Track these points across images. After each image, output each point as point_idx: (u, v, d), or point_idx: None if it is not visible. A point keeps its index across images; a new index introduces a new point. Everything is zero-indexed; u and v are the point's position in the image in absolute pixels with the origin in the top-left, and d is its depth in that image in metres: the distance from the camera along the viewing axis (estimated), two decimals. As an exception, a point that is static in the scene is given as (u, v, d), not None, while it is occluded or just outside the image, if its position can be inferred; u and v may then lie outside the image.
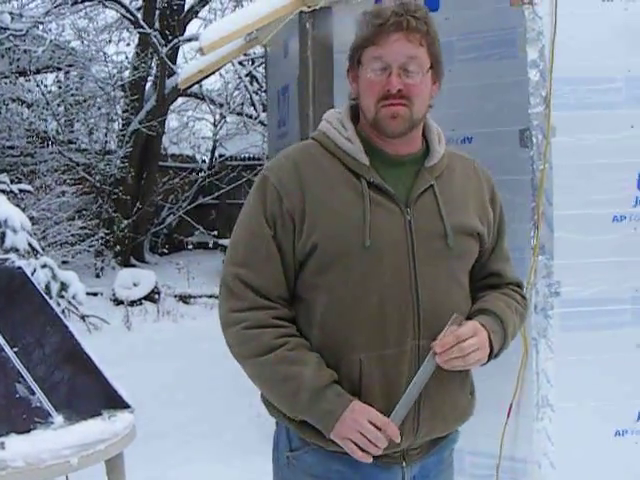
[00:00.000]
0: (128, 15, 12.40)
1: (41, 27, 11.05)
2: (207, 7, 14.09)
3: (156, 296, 10.27)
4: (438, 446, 1.93)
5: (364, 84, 1.83)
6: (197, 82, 12.45)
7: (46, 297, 3.33)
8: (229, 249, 1.90)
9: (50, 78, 13.20)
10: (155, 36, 12.09)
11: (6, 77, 11.26)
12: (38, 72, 12.09)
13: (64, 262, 9.68)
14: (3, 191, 8.11)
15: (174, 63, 13.04)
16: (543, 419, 3.45)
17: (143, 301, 10.09)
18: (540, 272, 3.42)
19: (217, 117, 15.20)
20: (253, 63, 14.41)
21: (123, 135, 12.37)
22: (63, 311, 7.67)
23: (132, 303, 9.84)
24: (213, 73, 11.93)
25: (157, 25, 12.72)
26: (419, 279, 1.80)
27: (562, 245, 3.42)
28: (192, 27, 14.47)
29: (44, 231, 9.44)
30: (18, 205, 7.84)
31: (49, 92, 12.68)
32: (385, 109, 1.80)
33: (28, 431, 2.55)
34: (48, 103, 12.19)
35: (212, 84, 15.53)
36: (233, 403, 5.51)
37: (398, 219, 1.81)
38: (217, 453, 4.67)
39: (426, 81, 1.83)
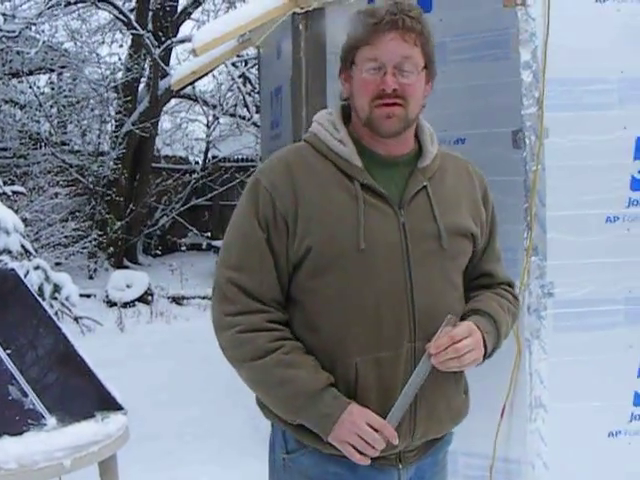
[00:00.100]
0: (121, 16, 12.38)
1: (34, 28, 10.98)
2: (200, 8, 14.11)
3: (149, 297, 10.26)
4: (433, 448, 1.93)
5: (358, 84, 1.82)
6: (190, 83, 12.42)
7: (39, 299, 3.32)
8: (222, 252, 1.89)
9: (43, 79, 13.18)
10: (148, 37, 12.07)
11: (-1, 79, 11.25)
12: (31, 73, 12.05)
13: (57, 264, 9.66)
14: (-4, 193, 8.11)
15: (167, 64, 13.03)
16: (536, 420, 3.45)
17: (136, 303, 10.07)
18: (533, 273, 3.42)
19: (210, 118, 15.19)
20: (246, 64, 14.41)
21: (116, 136, 12.33)
22: (56, 313, 7.65)
23: (125, 305, 9.82)
24: (206, 74, 11.90)
25: (150, 26, 12.68)
26: (414, 281, 1.79)
27: (555, 246, 3.42)
28: (185, 28, 14.46)
29: (37, 233, 9.41)
30: (11, 207, 7.81)
31: (42, 93, 12.63)
32: (380, 109, 1.79)
33: (21, 433, 2.54)
34: (41, 104, 12.15)
35: (205, 85, 15.55)
36: (227, 404, 5.50)
37: (392, 221, 1.80)
38: (211, 455, 4.65)
39: (420, 81, 1.83)
